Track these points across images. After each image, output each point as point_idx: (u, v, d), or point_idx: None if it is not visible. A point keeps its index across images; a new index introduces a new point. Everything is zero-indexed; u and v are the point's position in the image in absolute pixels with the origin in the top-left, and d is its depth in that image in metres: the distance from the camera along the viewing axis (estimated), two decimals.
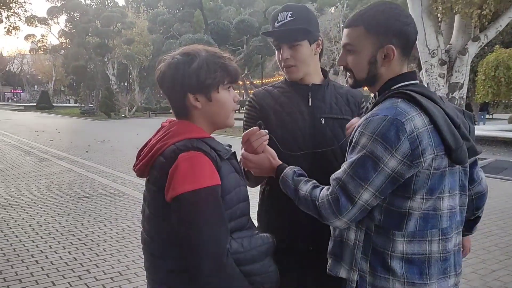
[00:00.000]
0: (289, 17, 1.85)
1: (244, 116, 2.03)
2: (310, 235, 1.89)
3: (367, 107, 1.57)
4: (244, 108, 2.10)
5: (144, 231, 1.54)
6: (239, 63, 1.58)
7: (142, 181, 1.54)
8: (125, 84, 51.54)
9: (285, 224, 1.91)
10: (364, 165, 1.36)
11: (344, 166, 1.42)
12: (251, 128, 1.69)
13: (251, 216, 1.60)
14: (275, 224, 1.93)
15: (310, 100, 1.93)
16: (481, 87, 17.79)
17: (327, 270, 1.59)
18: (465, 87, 10.07)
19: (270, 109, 1.95)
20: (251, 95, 2.06)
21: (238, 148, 1.63)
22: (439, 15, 9.72)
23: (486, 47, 16.84)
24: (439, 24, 10.04)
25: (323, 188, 1.47)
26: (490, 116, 27.41)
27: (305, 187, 1.51)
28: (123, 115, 34.32)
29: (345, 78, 1.65)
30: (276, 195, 1.89)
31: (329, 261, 1.59)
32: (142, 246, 1.57)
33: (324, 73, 2.03)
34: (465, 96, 10.22)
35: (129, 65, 40.02)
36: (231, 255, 1.39)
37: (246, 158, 1.69)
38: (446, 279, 1.45)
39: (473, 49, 9.84)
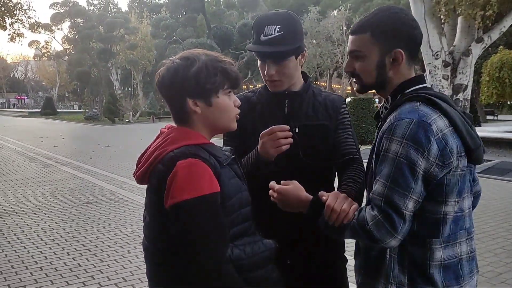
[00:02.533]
0: (277, 31, 1.76)
1: None
2: (289, 249, 1.86)
3: (381, 111, 1.56)
4: None
5: (145, 238, 1.52)
6: (242, 67, 1.56)
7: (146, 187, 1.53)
8: (129, 89, 51.68)
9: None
10: (402, 173, 1.32)
11: (380, 180, 1.37)
12: (283, 126, 1.68)
13: None
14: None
15: (286, 108, 1.90)
16: (485, 89, 17.74)
17: (358, 285, 1.55)
18: (469, 88, 10.04)
19: (245, 116, 1.88)
20: None
21: None
22: (442, 16, 9.71)
23: (490, 48, 16.82)
24: (442, 25, 10.02)
25: (366, 208, 1.41)
26: (495, 118, 27.32)
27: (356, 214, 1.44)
28: (127, 120, 34.40)
29: (349, 81, 1.64)
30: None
31: (360, 276, 1.55)
32: (144, 254, 1.56)
33: (305, 77, 1.97)
34: (469, 98, 10.20)
35: (132, 70, 40.16)
36: (233, 262, 1.38)
37: (273, 188, 1.60)
38: (472, 277, 1.47)
39: (476, 50, 9.82)
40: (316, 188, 1.69)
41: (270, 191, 1.61)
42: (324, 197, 1.49)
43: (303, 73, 1.97)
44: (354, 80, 1.57)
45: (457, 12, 9.41)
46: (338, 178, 1.91)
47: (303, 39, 1.88)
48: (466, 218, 1.45)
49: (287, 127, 1.68)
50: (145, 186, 1.49)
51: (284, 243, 1.82)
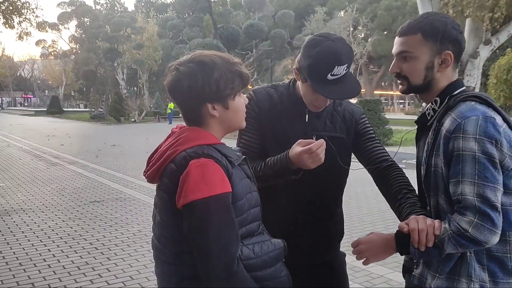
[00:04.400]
0: (344, 70, 1.71)
1: None
2: (300, 251, 1.86)
3: (428, 113, 1.57)
4: None
5: (155, 237, 1.53)
6: (249, 67, 1.56)
7: (153, 186, 1.54)
8: (135, 88, 51.82)
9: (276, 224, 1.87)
10: (487, 168, 1.35)
11: (465, 179, 1.36)
12: (320, 140, 1.66)
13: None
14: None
15: (307, 116, 1.88)
16: (492, 91, 17.61)
17: (431, 287, 1.52)
18: (477, 91, 10.00)
19: (266, 115, 1.90)
20: (251, 92, 1.98)
21: None
22: None
23: (497, 51, 16.72)
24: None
25: (453, 217, 1.39)
26: None
27: (443, 228, 1.40)
28: (133, 120, 34.52)
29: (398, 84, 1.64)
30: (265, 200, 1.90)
31: (436, 279, 1.51)
32: (153, 252, 1.57)
33: None
34: None
35: (138, 69, 40.26)
36: (242, 261, 1.38)
37: (356, 247, 1.58)
38: None
39: (484, 52, 9.78)
40: (327, 192, 1.71)
41: (355, 250, 1.59)
42: (405, 229, 1.46)
43: None
44: (399, 81, 1.59)
45: (465, 14, 9.37)
46: (381, 184, 1.88)
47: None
48: None
49: (323, 141, 1.67)
50: (150, 185, 1.50)
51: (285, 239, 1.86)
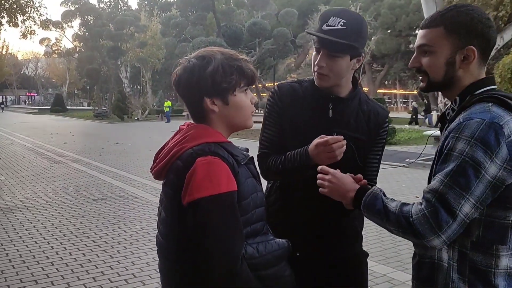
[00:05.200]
0: (340, 25, 1.70)
1: (266, 107, 1.97)
2: (302, 240, 1.86)
3: (447, 113, 1.49)
4: (266, 99, 2.06)
5: (160, 234, 1.53)
6: (252, 65, 1.56)
7: (156, 184, 1.54)
8: (138, 87, 51.92)
9: (287, 223, 1.89)
10: (464, 173, 1.26)
11: (439, 176, 1.31)
12: (338, 136, 1.66)
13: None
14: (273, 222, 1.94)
15: (330, 111, 1.85)
16: None
17: None
18: None
19: (289, 110, 1.88)
20: (275, 87, 1.97)
21: (254, 152, 1.62)
22: None
23: (502, 50, 16.64)
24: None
25: (414, 204, 1.35)
26: None
27: (394, 203, 1.39)
28: (136, 118, 34.57)
29: (359, 80, 1.63)
30: (284, 195, 1.92)
31: (415, 285, 1.50)
32: (157, 249, 1.57)
33: (354, 82, 1.90)
34: None
35: (142, 68, 40.29)
36: (246, 260, 1.38)
37: (329, 171, 1.58)
38: None
39: None
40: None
41: (320, 175, 1.59)
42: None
43: (353, 79, 1.90)
44: (420, 77, 1.52)
45: None
46: None
47: (364, 45, 1.82)
48: None
49: (341, 137, 1.66)
50: (154, 184, 1.51)
51: (302, 236, 1.85)
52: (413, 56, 1.51)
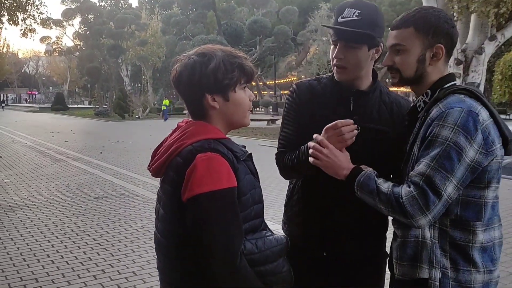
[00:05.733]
0: (356, 15, 1.70)
1: (285, 106, 1.97)
2: (328, 241, 1.86)
3: (418, 105, 1.62)
4: (285, 97, 2.06)
5: (158, 231, 1.53)
6: (252, 63, 1.56)
7: (156, 182, 1.54)
8: (139, 85, 51.93)
9: (309, 222, 1.89)
10: (449, 157, 1.39)
11: (425, 160, 1.43)
12: (349, 120, 1.65)
13: (269, 214, 1.58)
14: (298, 220, 1.92)
15: (352, 105, 1.82)
16: (497, 87, 17.52)
17: (396, 275, 1.57)
18: (482, 87, 9.95)
19: (308, 106, 1.85)
20: (294, 85, 1.97)
21: (252, 150, 1.62)
22: (455, 14, 9.62)
23: (503, 46, 16.63)
24: (455, 23, 9.93)
25: (402, 186, 1.46)
26: (508, 117, 27.04)
27: (386, 184, 1.50)
28: (137, 116, 34.58)
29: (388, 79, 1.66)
30: (307, 194, 1.90)
31: (400, 266, 1.57)
32: (155, 247, 1.56)
33: (374, 75, 1.88)
34: None
35: (142, 66, 40.32)
36: (245, 256, 1.39)
37: (327, 146, 1.62)
38: (499, 263, 1.55)
39: (489, 48, 9.71)
40: None
41: (317, 146, 1.62)
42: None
43: (373, 71, 1.88)
44: (391, 74, 1.63)
45: (470, 10, 9.30)
46: None
47: (381, 34, 1.78)
48: (498, 205, 1.55)
49: (351, 121, 1.65)
50: (155, 182, 1.50)
51: (325, 235, 1.85)
52: (386, 55, 1.64)
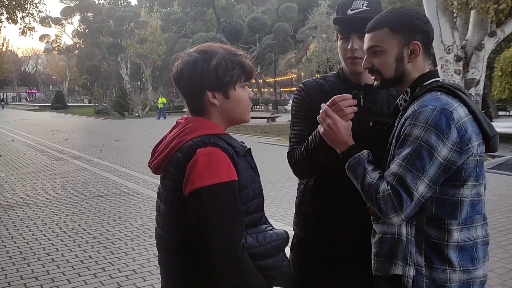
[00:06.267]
0: (365, 6, 1.78)
1: (293, 105, 1.98)
2: (345, 238, 1.86)
3: (400, 103, 1.62)
4: (293, 96, 2.05)
5: (159, 227, 1.55)
6: (252, 61, 1.57)
7: (156, 180, 1.54)
8: (138, 83, 51.87)
9: (322, 223, 1.89)
10: (420, 156, 1.39)
11: (397, 160, 1.44)
12: (346, 95, 1.65)
13: (270, 211, 1.58)
14: (311, 220, 1.93)
15: (362, 100, 1.84)
16: (497, 83, 17.48)
17: (374, 271, 1.58)
18: (482, 83, 9.92)
19: (318, 103, 1.82)
20: (301, 84, 2.00)
21: (252, 147, 1.62)
22: (454, 10, 9.60)
23: (503, 43, 16.59)
24: (454, 19, 9.90)
25: (384, 181, 1.47)
26: (507, 113, 27.02)
27: (373, 174, 1.50)
28: (137, 115, 34.58)
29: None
30: (320, 193, 1.89)
31: (376, 261, 1.58)
32: (156, 242, 1.57)
33: None
34: (481, 93, 10.08)
35: (142, 64, 40.23)
36: (246, 250, 1.40)
37: (329, 114, 1.62)
38: (485, 263, 1.53)
39: (489, 44, 9.69)
40: None
41: (323, 114, 1.64)
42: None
43: None
44: (373, 76, 1.63)
45: (470, 6, 9.28)
46: None
47: None
48: (482, 204, 1.52)
49: (349, 95, 1.65)
50: (155, 180, 1.51)
51: (341, 232, 1.85)
52: (365, 58, 1.63)
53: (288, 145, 1.98)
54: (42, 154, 12.88)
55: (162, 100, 32.64)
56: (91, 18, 46.15)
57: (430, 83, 1.55)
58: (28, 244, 5.01)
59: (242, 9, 40.59)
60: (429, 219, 1.47)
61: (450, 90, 1.47)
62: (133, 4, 58.25)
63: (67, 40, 79.95)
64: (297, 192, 2.05)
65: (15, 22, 19.31)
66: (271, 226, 1.56)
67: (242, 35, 37.24)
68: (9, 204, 6.85)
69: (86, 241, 5.10)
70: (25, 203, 6.94)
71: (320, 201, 1.90)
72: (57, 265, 4.38)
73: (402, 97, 1.61)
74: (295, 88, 2.02)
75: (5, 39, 72.28)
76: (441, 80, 1.59)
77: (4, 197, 7.35)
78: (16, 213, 6.34)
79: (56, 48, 53.21)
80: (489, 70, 16.76)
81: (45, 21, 43.82)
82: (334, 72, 1.99)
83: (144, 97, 37.09)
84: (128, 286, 3.91)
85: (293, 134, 1.94)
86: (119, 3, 57.74)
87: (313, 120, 1.83)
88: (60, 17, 47.41)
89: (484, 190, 1.68)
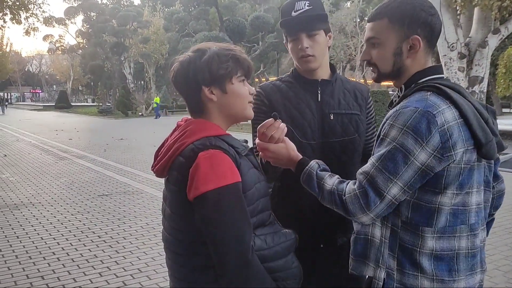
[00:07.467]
0: (307, 6, 1.83)
1: (253, 111, 1.98)
2: (321, 233, 1.90)
3: (393, 100, 1.54)
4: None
5: (165, 230, 1.54)
6: (254, 59, 1.57)
7: (160, 179, 1.54)
8: (142, 82, 51.88)
9: (295, 222, 1.87)
10: (393, 159, 1.32)
11: (372, 159, 1.39)
12: (267, 121, 1.65)
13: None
14: (284, 221, 1.93)
15: (319, 95, 1.91)
16: (501, 81, 17.44)
17: (350, 269, 1.56)
18: (485, 80, 9.89)
19: (279, 105, 1.92)
20: (258, 89, 2.01)
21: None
22: (458, 7, 9.56)
23: (506, 40, 16.52)
24: (458, 17, 9.87)
25: (349, 182, 1.44)
26: None
27: (331, 181, 1.47)
28: (140, 114, 34.61)
29: (362, 73, 1.65)
30: (285, 193, 1.92)
31: (352, 260, 1.55)
32: (163, 244, 1.57)
33: (332, 68, 2.01)
34: (485, 90, 10.04)
35: (145, 63, 40.23)
36: (255, 252, 1.39)
37: (263, 147, 1.63)
38: (473, 275, 1.43)
39: (493, 42, 9.65)
40: (342, 169, 1.72)
41: (260, 149, 1.66)
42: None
43: (330, 64, 2.01)
44: (371, 69, 1.55)
45: (474, 3, 9.25)
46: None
47: (328, 20, 1.92)
48: (471, 214, 1.40)
49: (270, 120, 1.64)
50: (158, 179, 1.50)
51: (316, 230, 1.87)
52: (363, 49, 1.56)
53: None
54: (47, 153, 12.92)
55: (156, 99, 32.66)
56: (94, 18, 46.17)
57: (426, 81, 1.44)
58: (33, 243, 5.04)
59: (244, 8, 40.53)
60: (404, 223, 1.41)
61: (441, 90, 1.36)
62: (136, 3, 58.26)
63: (70, 40, 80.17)
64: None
65: (19, 22, 19.37)
66: (280, 226, 1.55)
67: (245, 33, 37.17)
68: (15, 204, 6.88)
69: (91, 240, 5.13)
70: (30, 202, 6.97)
71: (287, 202, 1.92)
72: (62, 264, 4.40)
73: (397, 94, 1.53)
74: None
75: (8, 39, 72.53)
76: (445, 77, 1.49)
77: (9, 196, 7.39)
78: (21, 212, 6.37)
79: (59, 48, 53.27)
80: (493, 67, 16.69)
81: (49, 21, 43.89)
82: (288, 73, 2.04)
83: (148, 96, 37.11)
84: (133, 285, 3.91)
85: (255, 137, 1.91)
86: (122, 2, 57.78)
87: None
88: (63, 17, 47.51)
89: (501, 198, 1.63)
